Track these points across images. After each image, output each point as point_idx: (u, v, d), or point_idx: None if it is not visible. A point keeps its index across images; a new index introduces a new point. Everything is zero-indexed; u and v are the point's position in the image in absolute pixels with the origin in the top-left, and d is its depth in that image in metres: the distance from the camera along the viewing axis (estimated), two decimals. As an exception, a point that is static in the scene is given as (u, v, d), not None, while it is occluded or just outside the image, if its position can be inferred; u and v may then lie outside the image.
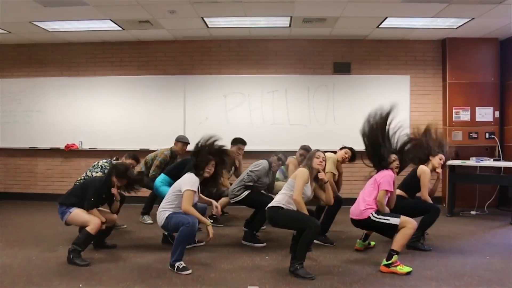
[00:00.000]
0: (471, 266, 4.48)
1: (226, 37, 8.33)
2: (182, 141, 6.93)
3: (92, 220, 4.69)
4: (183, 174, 4.82)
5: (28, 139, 8.58)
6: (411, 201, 5.40)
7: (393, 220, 4.41)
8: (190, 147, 6.71)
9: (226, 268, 4.45)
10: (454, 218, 7.08)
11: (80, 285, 3.92)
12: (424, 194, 5.24)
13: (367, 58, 8.38)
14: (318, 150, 4.72)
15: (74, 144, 8.42)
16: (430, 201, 5.27)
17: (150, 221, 6.67)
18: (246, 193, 5.68)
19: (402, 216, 4.45)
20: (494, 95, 8.12)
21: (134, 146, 7.80)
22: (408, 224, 4.37)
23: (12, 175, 8.79)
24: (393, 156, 4.76)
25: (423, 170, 5.32)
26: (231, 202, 5.90)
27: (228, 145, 6.41)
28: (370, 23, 7.38)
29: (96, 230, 4.69)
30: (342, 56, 8.39)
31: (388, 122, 4.75)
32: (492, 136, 8.02)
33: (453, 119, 8.07)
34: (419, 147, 5.44)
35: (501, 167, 7.59)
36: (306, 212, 4.42)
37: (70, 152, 8.54)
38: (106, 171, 5.67)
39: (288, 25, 7.53)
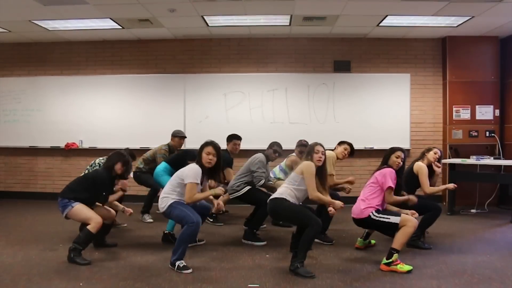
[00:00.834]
0: (472, 265, 4.48)
1: (226, 36, 8.33)
2: (178, 135, 6.94)
3: (93, 218, 4.62)
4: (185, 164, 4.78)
5: (28, 138, 8.58)
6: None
7: (394, 219, 4.40)
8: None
9: (226, 266, 4.45)
10: (454, 217, 7.08)
11: (81, 284, 3.91)
12: (425, 189, 5.24)
13: (367, 57, 8.38)
14: (317, 144, 4.62)
15: (74, 143, 8.43)
16: (436, 190, 5.32)
17: (150, 220, 6.67)
18: (246, 188, 5.66)
19: (402, 215, 4.44)
20: (494, 93, 8.12)
21: (134, 145, 7.79)
22: (409, 223, 4.36)
23: (13, 174, 8.80)
24: (398, 153, 4.76)
25: (419, 166, 5.33)
26: (231, 197, 5.88)
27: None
28: (370, 22, 7.38)
29: (97, 229, 4.65)
30: (342, 54, 8.39)
31: None
32: (492, 134, 8.02)
33: (453, 117, 8.07)
34: None
35: (501, 166, 7.59)
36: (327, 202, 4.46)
37: (70, 151, 8.54)
38: None
39: (288, 24, 7.53)
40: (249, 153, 6.41)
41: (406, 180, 5.38)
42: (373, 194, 4.58)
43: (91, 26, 7.63)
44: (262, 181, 5.69)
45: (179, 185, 4.54)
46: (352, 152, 5.87)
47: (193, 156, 4.89)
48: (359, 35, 8.22)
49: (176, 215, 4.45)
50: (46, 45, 8.70)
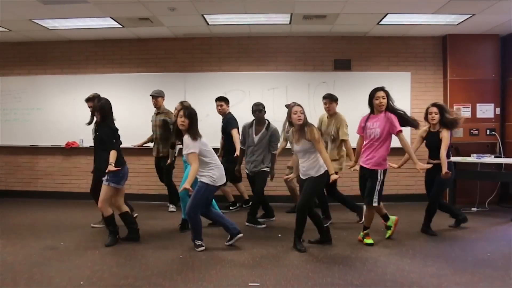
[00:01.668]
0: (473, 263, 4.48)
1: (226, 35, 8.32)
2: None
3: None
4: None
5: (29, 137, 8.58)
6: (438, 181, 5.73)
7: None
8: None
9: (227, 265, 4.45)
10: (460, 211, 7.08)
11: (81, 283, 3.92)
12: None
13: (368, 55, 8.37)
14: (295, 105, 5.02)
15: (74, 142, 8.43)
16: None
17: (173, 209, 7.24)
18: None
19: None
20: (495, 91, 8.11)
21: (135, 144, 7.78)
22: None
23: (13, 173, 8.80)
24: (377, 94, 5.36)
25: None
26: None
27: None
28: (371, 20, 7.37)
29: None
30: (343, 53, 8.38)
31: None
32: (493, 132, 8.01)
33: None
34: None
35: (502, 164, 7.60)
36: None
37: (71, 150, 8.54)
38: None
39: (288, 22, 7.52)
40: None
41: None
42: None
43: (92, 25, 7.62)
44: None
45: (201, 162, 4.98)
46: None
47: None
48: (360, 33, 8.21)
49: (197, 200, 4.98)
50: (47, 44, 8.69)
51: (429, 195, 5.84)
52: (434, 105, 5.90)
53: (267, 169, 6.31)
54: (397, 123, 5.07)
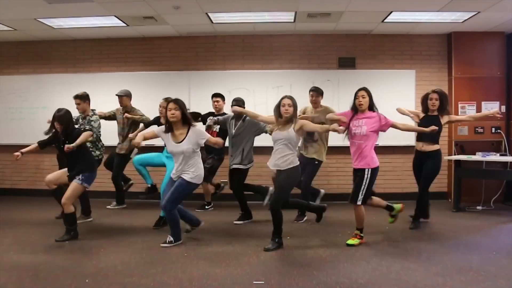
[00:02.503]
0: (477, 262, 4.46)
1: (231, 33, 8.32)
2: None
3: None
4: None
5: (34, 135, 8.53)
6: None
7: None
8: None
9: (231, 263, 4.45)
10: (460, 213, 7.06)
11: (87, 281, 3.93)
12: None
13: (372, 53, 8.36)
14: (284, 97, 5.04)
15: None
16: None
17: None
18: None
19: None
20: (500, 89, 8.08)
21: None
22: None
23: (19, 172, 8.84)
24: (357, 94, 5.30)
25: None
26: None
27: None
28: (375, 18, 7.36)
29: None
30: (347, 51, 8.37)
31: None
32: (498, 130, 7.98)
33: (459, 113, 8.02)
34: None
35: (507, 162, 7.56)
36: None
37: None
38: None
39: (292, 20, 7.52)
40: (256, 149, 6.43)
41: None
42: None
43: (96, 23, 7.64)
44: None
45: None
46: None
47: None
48: (364, 31, 8.19)
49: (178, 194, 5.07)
50: (51, 43, 8.72)
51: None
52: (435, 91, 5.99)
53: (243, 167, 6.30)
54: (387, 120, 5.16)
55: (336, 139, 5.79)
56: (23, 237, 5.51)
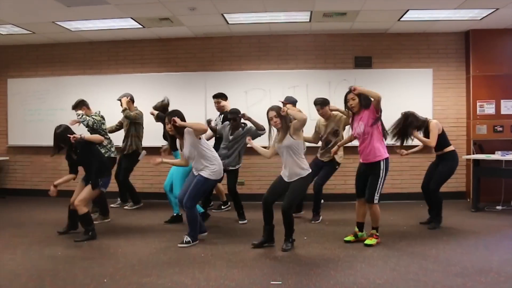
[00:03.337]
0: (498, 262, 4.40)
1: (246, 33, 8.33)
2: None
3: None
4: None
5: (52, 137, 8.69)
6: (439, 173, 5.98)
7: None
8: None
9: (249, 264, 4.46)
10: (479, 213, 6.97)
11: (105, 280, 3.97)
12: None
13: (389, 52, 8.30)
14: (268, 110, 5.04)
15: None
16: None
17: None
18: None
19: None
20: (520, 87, 7.96)
21: (156, 143, 7.81)
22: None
23: (38, 173, 8.96)
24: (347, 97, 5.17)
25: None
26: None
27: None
28: (391, 16, 7.30)
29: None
30: (363, 50, 8.32)
31: None
32: (518, 129, 7.87)
33: (477, 112, 7.93)
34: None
35: (527, 161, 7.44)
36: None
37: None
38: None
39: (308, 20, 7.50)
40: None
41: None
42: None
43: (113, 26, 7.71)
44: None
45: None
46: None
47: None
48: (380, 30, 8.14)
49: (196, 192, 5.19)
50: (69, 45, 8.83)
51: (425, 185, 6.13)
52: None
53: (237, 168, 6.54)
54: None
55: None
56: (42, 237, 5.59)
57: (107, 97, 8.40)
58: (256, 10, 6.97)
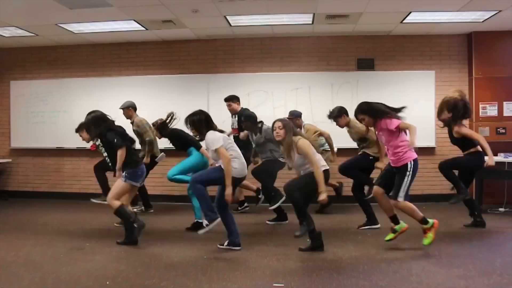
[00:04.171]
0: (501, 264, 4.38)
1: (249, 35, 8.34)
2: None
3: None
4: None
5: (55, 139, 8.74)
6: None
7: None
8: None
9: (251, 266, 4.45)
10: (482, 215, 6.93)
11: (107, 283, 3.97)
12: None
13: (391, 54, 8.30)
14: (275, 121, 4.98)
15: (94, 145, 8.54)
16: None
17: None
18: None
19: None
20: (523, 89, 7.94)
21: (159, 145, 7.85)
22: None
23: (40, 175, 8.98)
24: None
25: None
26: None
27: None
28: (394, 19, 7.30)
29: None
30: (366, 52, 8.32)
31: None
32: (521, 131, 7.85)
33: (480, 114, 7.93)
34: None
35: (530, 163, 7.42)
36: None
37: (96, 152, 8.59)
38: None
39: (311, 22, 7.51)
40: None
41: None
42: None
43: (116, 28, 7.73)
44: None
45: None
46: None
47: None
48: (383, 32, 8.14)
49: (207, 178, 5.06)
50: (72, 47, 8.85)
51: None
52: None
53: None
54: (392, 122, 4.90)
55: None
56: (44, 239, 5.59)
57: (110, 99, 8.41)
58: (258, 12, 6.98)
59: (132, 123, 7.16)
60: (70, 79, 8.80)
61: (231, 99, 7.14)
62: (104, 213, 6.95)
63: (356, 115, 5.11)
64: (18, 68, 9.07)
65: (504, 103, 7.92)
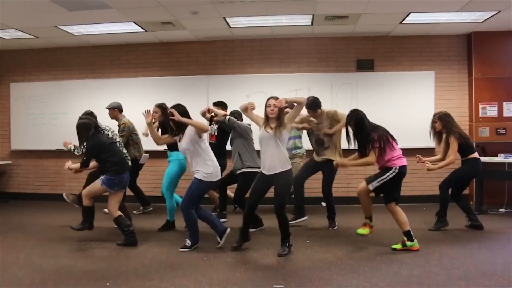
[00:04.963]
0: (501, 265, 4.38)
1: (248, 37, 8.34)
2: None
3: None
4: None
5: (55, 141, 8.71)
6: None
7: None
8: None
9: (251, 267, 4.45)
10: (482, 216, 6.91)
11: (108, 284, 3.97)
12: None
13: (391, 55, 8.30)
14: (269, 98, 5.00)
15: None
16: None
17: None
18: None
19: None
20: (523, 89, 7.94)
21: (159, 147, 7.84)
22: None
23: (41, 176, 8.98)
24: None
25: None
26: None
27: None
28: (393, 19, 7.31)
29: None
30: (365, 53, 8.32)
31: None
32: (521, 131, 7.85)
33: (480, 114, 7.93)
34: None
35: (531, 163, 7.42)
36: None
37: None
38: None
39: (310, 23, 7.51)
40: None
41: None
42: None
43: (115, 30, 7.73)
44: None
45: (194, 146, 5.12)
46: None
47: None
48: (382, 33, 8.14)
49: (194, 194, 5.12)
50: (71, 49, 8.85)
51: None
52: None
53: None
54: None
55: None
56: (45, 240, 5.59)
57: (110, 101, 8.41)
58: (258, 14, 6.98)
59: (118, 125, 7.17)
60: (70, 81, 8.80)
61: (220, 104, 6.93)
62: (103, 215, 6.96)
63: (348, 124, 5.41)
64: (18, 70, 9.07)
65: (504, 103, 7.91)
